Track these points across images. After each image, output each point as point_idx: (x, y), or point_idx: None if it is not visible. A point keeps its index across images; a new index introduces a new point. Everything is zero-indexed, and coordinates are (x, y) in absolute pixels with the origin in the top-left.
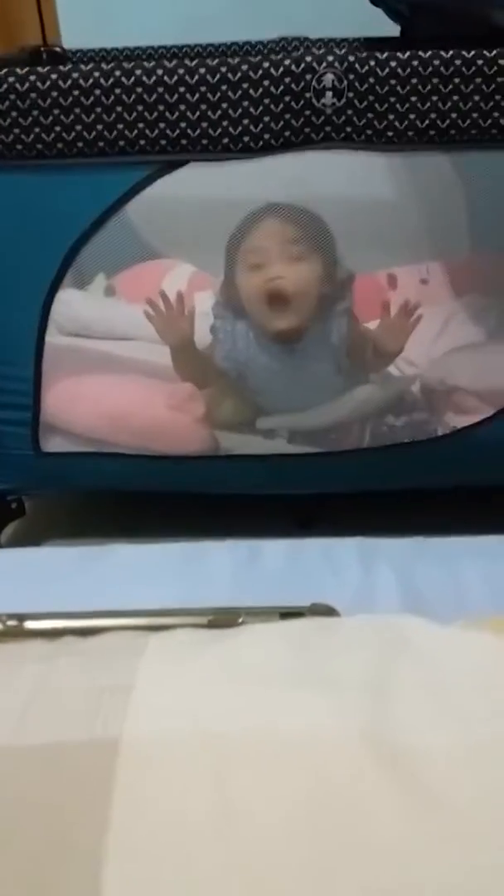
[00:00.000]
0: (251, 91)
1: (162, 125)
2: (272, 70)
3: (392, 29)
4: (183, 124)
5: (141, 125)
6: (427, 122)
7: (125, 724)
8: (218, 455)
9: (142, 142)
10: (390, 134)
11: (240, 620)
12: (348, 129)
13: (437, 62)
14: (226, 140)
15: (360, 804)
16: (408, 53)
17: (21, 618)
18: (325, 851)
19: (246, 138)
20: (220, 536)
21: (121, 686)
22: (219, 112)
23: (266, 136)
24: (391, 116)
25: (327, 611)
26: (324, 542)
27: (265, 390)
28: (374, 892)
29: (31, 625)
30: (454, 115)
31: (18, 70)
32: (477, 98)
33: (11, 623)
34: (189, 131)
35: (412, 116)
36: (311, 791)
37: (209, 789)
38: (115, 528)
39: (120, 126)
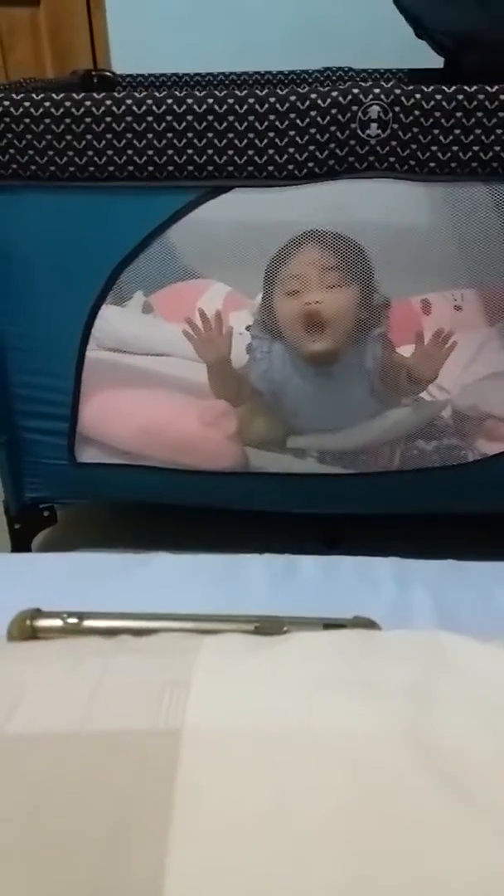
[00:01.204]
0: (298, 121)
1: (210, 152)
2: (319, 101)
3: (436, 61)
4: (230, 151)
5: (190, 151)
6: (470, 154)
7: (186, 716)
8: (248, 472)
9: (190, 167)
10: (433, 165)
11: (284, 629)
12: (391, 160)
13: (481, 96)
14: (271, 168)
15: (399, 797)
16: (453, 87)
17: (81, 616)
18: (370, 841)
19: (291, 167)
20: (247, 551)
21: (180, 681)
22: (265, 140)
23: (310, 165)
24: (434, 148)
25: (369, 624)
26: (358, 560)
27: (298, 411)
28: (413, 884)
29: (89, 623)
30: (497, 148)
31: (74, 95)
32: None
33: (72, 621)
34: (236, 158)
35: (455, 148)
36: (356, 785)
37: (266, 780)
38: (143, 540)
39: (170, 152)
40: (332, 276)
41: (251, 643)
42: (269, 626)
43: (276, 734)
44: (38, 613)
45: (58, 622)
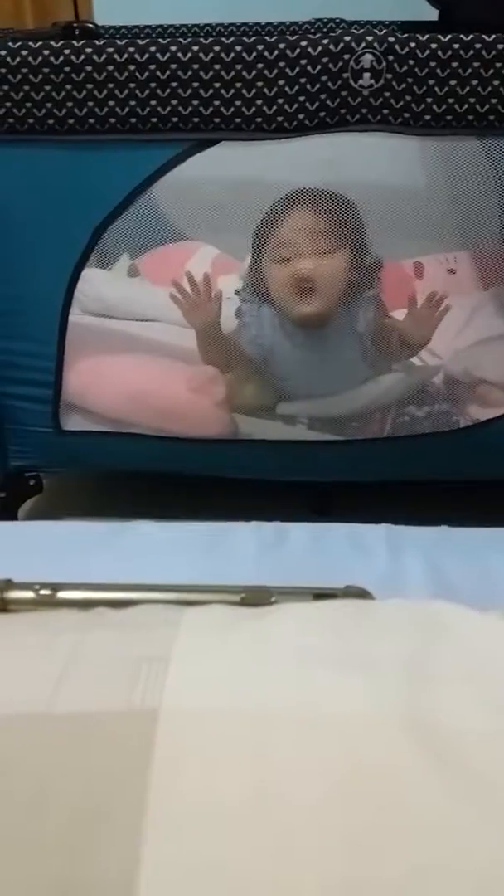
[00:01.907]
0: (287, 70)
1: (195, 103)
2: (310, 49)
3: (430, 13)
4: (217, 102)
5: (174, 102)
6: (466, 106)
7: (164, 696)
8: (237, 439)
9: (174, 119)
10: (427, 117)
11: (272, 599)
12: (385, 112)
13: (478, 45)
14: (259, 119)
15: (398, 783)
16: (449, 36)
17: (55, 587)
18: (365, 829)
19: (280, 118)
20: (236, 520)
21: (158, 657)
22: (254, 91)
23: (300, 117)
24: (429, 100)
25: (361, 593)
26: (350, 527)
27: (289, 376)
28: (414, 872)
29: (64, 595)
30: (494, 101)
31: (52, 43)
32: None
33: (45, 592)
34: (222, 109)
35: (451, 100)
36: (348, 770)
37: (247, 763)
38: (132, 508)
39: (153, 102)
40: (323, 242)
41: (236, 615)
42: (255, 597)
43: (262, 714)
44: (9, 584)
45: (30, 594)
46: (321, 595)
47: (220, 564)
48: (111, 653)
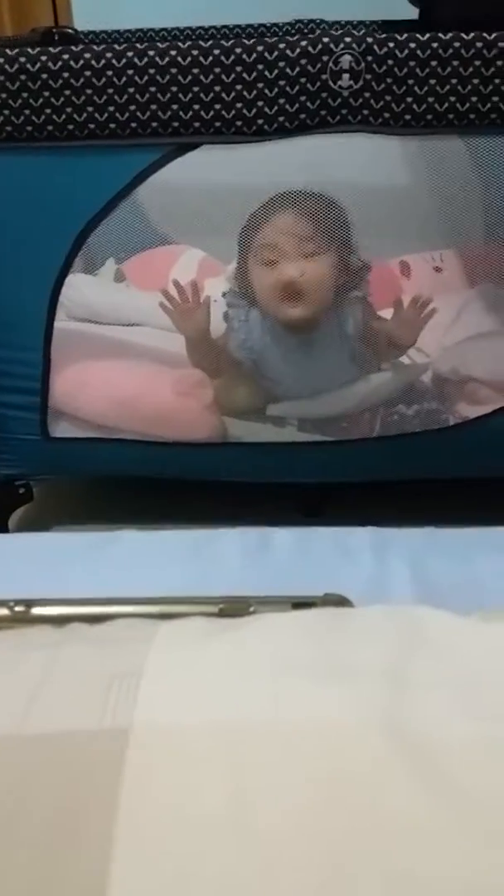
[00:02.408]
0: (266, 73)
1: (174, 107)
2: (288, 51)
3: (409, 12)
4: (196, 106)
5: (153, 107)
6: (446, 105)
7: (135, 713)
8: (226, 442)
9: (154, 124)
10: (408, 117)
11: (251, 609)
12: (365, 112)
13: (457, 44)
14: (239, 122)
15: (378, 793)
16: (427, 35)
17: (29, 603)
18: (344, 839)
19: (260, 121)
20: (228, 524)
21: (130, 673)
22: (233, 94)
23: (281, 119)
24: (409, 99)
25: (340, 601)
26: (335, 531)
27: (278, 378)
28: (396, 880)
29: (38, 611)
30: (474, 99)
31: (30, 50)
32: (497, 81)
33: (19, 609)
34: (202, 113)
35: (430, 100)
36: (327, 780)
37: (222, 779)
38: (122, 514)
39: (132, 108)
40: (308, 245)
41: (212, 627)
42: (234, 608)
43: (236, 727)
44: None
45: (4, 611)
46: (300, 604)
47: (205, 571)
48: (83, 670)
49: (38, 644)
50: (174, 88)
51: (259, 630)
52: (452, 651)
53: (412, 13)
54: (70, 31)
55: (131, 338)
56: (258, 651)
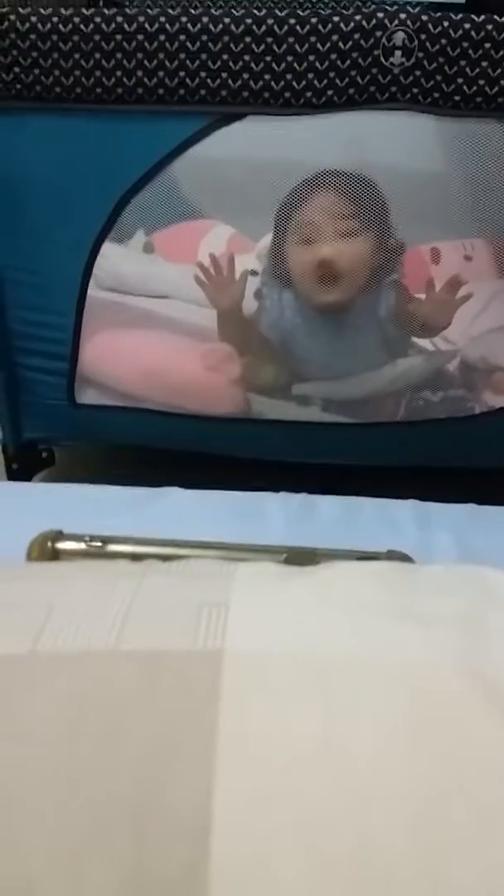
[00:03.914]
0: (318, 45)
1: (224, 75)
2: (342, 25)
3: None
4: (245, 75)
5: (203, 74)
6: (497, 88)
7: (227, 638)
8: (250, 418)
9: (202, 91)
10: (457, 98)
11: (317, 561)
12: (415, 91)
13: None
14: (288, 94)
15: (462, 731)
16: (482, 17)
17: (105, 540)
18: (432, 773)
19: (308, 94)
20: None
21: (218, 602)
22: (283, 65)
23: (329, 93)
24: (460, 80)
25: (404, 557)
26: (378, 501)
27: (307, 358)
28: (481, 812)
29: (113, 547)
30: None
31: (84, 11)
32: None
33: (95, 544)
34: (251, 83)
35: (481, 82)
36: (413, 716)
37: (314, 709)
38: (143, 483)
39: (181, 74)
40: (347, 224)
41: (288, 571)
42: (300, 557)
43: (323, 660)
44: (60, 535)
45: (81, 545)
46: (365, 558)
47: (250, 532)
48: (171, 597)
49: (122, 573)
50: (225, 56)
51: (334, 574)
52: None
53: None
54: None
55: (160, 309)
56: (336, 590)
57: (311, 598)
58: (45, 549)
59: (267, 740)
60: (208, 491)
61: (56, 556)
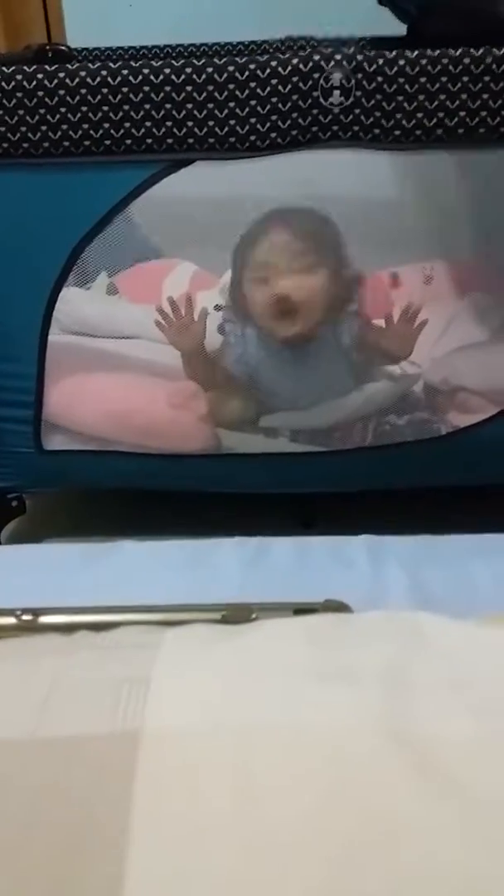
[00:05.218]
0: (258, 90)
1: (168, 124)
2: (280, 69)
3: (399, 28)
4: (190, 123)
5: (148, 124)
6: (435, 120)
7: (146, 717)
8: (220, 454)
9: (148, 140)
10: (398, 133)
11: (253, 616)
12: (356, 128)
13: (445, 60)
14: (233, 139)
15: (380, 791)
16: (416, 52)
17: (36, 612)
18: (347, 837)
19: (253, 137)
20: (221, 532)
21: (139, 678)
22: (226, 111)
23: (273, 135)
24: (399, 115)
25: (340, 607)
26: (331, 539)
27: (274, 391)
28: (399, 877)
29: (45, 619)
30: (462, 114)
31: (26, 68)
32: (486, 97)
33: (26, 618)
34: (196, 130)
35: (420, 115)
36: (331, 778)
37: (229, 778)
38: (116, 527)
39: (126, 124)
40: (301, 261)
41: (217, 633)
42: (236, 614)
43: (243, 729)
44: None
45: (11, 619)
46: (301, 610)
47: (204, 581)
48: (93, 676)
49: (48, 651)
50: (168, 105)
51: (263, 635)
52: (450, 653)
53: (401, 30)
54: (63, 48)
55: (125, 350)
56: (263, 655)
57: (235, 665)
58: None
59: (181, 818)
60: (161, 542)
61: None
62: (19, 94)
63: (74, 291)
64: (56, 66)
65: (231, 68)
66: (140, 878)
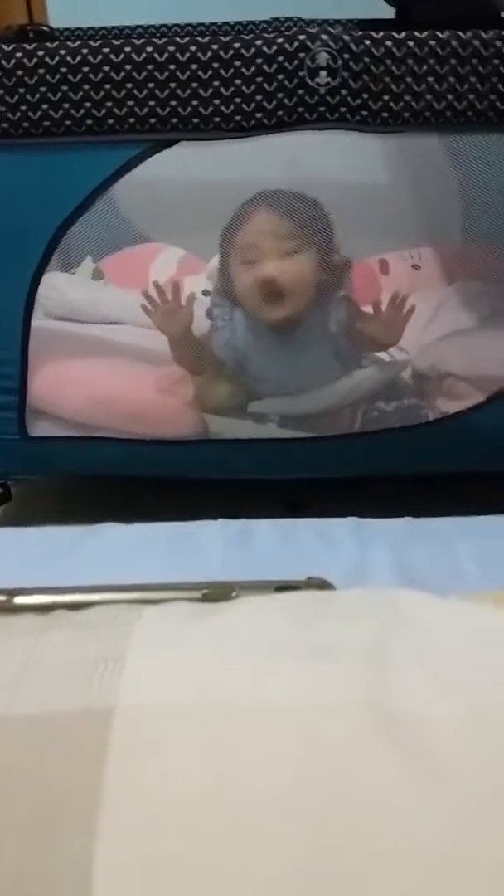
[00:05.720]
0: (244, 69)
1: (152, 103)
2: (265, 48)
3: (387, 12)
4: (173, 102)
5: (130, 103)
6: (422, 103)
7: (119, 694)
8: (207, 439)
9: (131, 120)
10: (385, 115)
11: (234, 594)
12: (342, 110)
13: (433, 42)
14: (217, 119)
15: (357, 769)
16: (404, 34)
17: (11, 593)
18: (324, 816)
19: (238, 117)
20: (207, 517)
21: (114, 656)
22: (210, 90)
23: (258, 116)
24: (386, 97)
25: (323, 584)
26: (317, 521)
27: (262, 376)
28: (375, 857)
29: (21, 600)
30: (450, 97)
31: (4, 46)
32: (473, 80)
33: (1, 598)
34: (180, 110)
35: (407, 97)
36: (307, 757)
37: (204, 758)
38: (102, 513)
39: (109, 104)
40: (288, 244)
41: (195, 611)
42: (217, 593)
43: (219, 706)
44: None
45: None
46: (283, 588)
47: (187, 563)
48: (67, 654)
49: (22, 631)
50: (151, 85)
51: (242, 613)
52: (431, 629)
53: (389, 13)
54: (45, 28)
55: (111, 336)
56: (240, 632)
57: (212, 643)
58: None
59: (153, 797)
60: (145, 525)
61: None
62: None
63: (60, 276)
64: (36, 44)
65: (215, 47)
66: (110, 856)
